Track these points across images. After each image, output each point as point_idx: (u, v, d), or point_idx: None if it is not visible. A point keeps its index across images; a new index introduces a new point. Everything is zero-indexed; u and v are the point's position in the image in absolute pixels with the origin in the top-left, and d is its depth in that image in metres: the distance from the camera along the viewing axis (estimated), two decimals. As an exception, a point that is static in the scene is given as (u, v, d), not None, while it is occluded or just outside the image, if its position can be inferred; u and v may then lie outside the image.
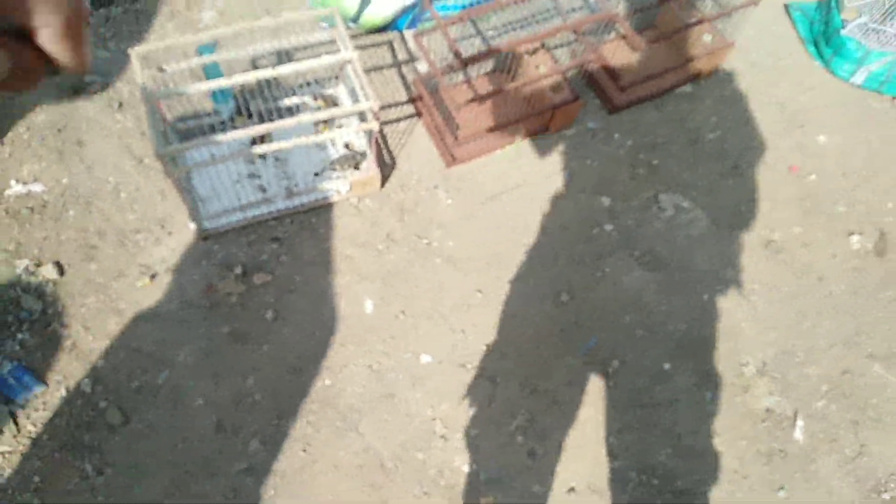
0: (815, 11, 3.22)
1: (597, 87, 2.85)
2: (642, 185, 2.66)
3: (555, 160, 2.69)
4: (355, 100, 2.39)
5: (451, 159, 2.62)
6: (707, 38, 2.84)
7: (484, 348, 2.28)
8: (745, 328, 2.39)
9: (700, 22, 2.59)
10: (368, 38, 2.93)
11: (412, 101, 2.80)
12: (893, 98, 2.99)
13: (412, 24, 2.97)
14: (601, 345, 2.30)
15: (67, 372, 2.11)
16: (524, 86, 2.51)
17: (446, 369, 2.23)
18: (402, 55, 2.92)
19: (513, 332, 2.31)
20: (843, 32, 2.96)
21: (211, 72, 2.45)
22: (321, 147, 2.55)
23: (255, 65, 2.74)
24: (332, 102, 2.66)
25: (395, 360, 2.23)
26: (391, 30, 2.96)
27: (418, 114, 2.77)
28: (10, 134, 2.53)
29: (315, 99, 2.64)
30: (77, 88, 2.68)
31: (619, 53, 2.73)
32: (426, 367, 2.22)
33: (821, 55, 3.10)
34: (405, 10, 2.86)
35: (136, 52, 2.12)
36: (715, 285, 2.46)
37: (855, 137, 2.87)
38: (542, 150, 2.72)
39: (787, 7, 3.28)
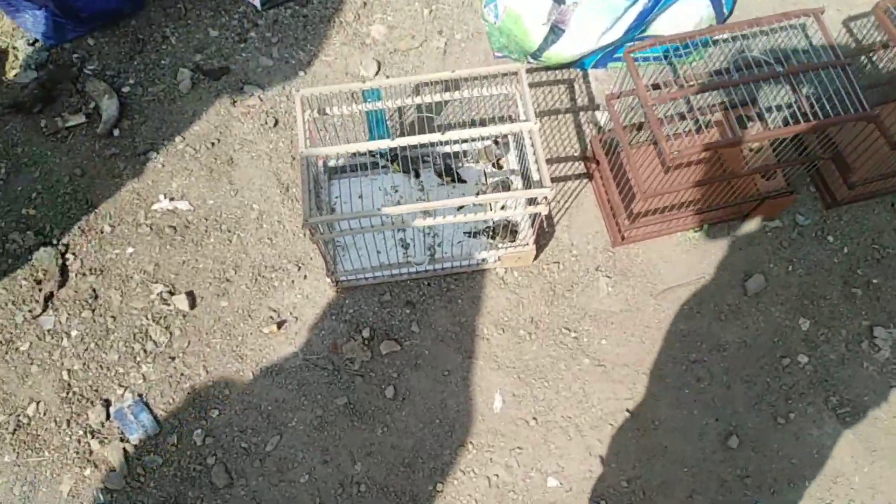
0: None
1: (816, 174, 2.33)
2: (855, 311, 2.15)
3: (747, 257, 2.24)
4: (524, 167, 2.08)
5: (620, 239, 2.25)
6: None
7: (625, 484, 1.94)
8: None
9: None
10: (547, 73, 2.58)
11: (584, 159, 2.44)
12: None
13: (600, 64, 2.58)
14: (769, 512, 1.90)
15: (182, 417, 2.04)
16: (731, 170, 2.08)
17: (575, 502, 1.92)
18: (581, 99, 2.55)
19: (663, 471, 1.95)
20: None
21: (373, 117, 2.25)
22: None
23: (420, 109, 2.48)
24: (497, 159, 2.36)
25: (518, 477, 1.95)
26: (575, 67, 2.59)
27: (589, 175, 2.41)
28: (166, 143, 2.48)
29: (477, 162, 2.35)
30: (234, 99, 2.57)
31: (856, 141, 2.19)
32: (552, 494, 1.93)
33: None
34: (595, 51, 2.48)
35: (300, 95, 1.93)
36: (933, 462, 1.95)
37: None
38: (734, 241, 2.27)
39: None
